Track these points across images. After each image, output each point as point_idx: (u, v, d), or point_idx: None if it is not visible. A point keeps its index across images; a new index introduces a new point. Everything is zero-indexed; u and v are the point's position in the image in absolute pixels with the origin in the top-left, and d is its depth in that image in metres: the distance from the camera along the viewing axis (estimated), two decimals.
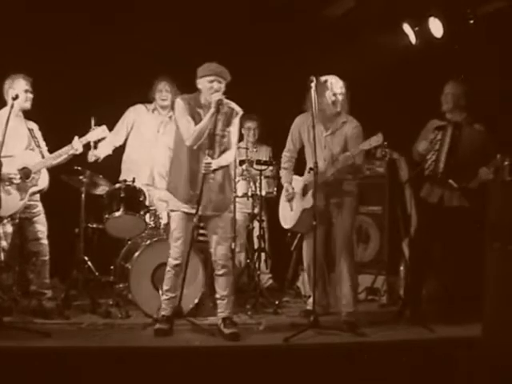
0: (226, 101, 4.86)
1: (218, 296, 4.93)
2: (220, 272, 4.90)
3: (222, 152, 4.90)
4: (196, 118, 4.83)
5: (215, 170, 4.81)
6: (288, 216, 5.52)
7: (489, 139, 5.29)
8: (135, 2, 6.42)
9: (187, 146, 4.82)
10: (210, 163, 4.74)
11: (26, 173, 5.14)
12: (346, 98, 5.27)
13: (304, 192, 5.14)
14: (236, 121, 4.96)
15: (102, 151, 5.77)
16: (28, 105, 5.29)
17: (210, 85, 4.77)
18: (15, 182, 5.07)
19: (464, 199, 5.31)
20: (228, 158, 4.93)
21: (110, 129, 5.68)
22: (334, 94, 5.20)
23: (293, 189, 5.43)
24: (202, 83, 4.82)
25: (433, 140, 5.36)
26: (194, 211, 4.79)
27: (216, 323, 4.92)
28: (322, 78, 5.24)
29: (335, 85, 5.21)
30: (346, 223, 5.24)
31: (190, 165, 4.84)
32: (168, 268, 4.90)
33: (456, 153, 5.29)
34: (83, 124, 5.42)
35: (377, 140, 4.90)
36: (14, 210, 5.06)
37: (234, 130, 4.96)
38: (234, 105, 4.94)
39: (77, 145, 5.24)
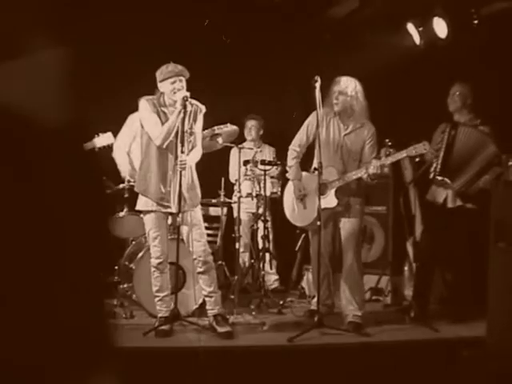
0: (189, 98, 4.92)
1: (205, 293, 4.96)
2: (202, 269, 4.92)
3: (191, 149, 4.96)
4: (162, 118, 4.87)
5: None
6: (301, 214, 5.40)
7: (490, 141, 5.27)
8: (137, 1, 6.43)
9: (156, 146, 4.85)
10: (184, 160, 4.77)
11: None
12: (365, 103, 5.22)
13: (323, 191, 4.97)
14: (200, 118, 5.01)
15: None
16: None
17: (173, 86, 4.80)
18: None
19: (467, 199, 5.32)
20: (196, 155, 5.00)
21: (115, 132, 5.64)
22: (334, 92, 5.17)
23: (304, 188, 5.39)
24: (164, 86, 4.86)
25: (438, 143, 5.38)
26: (167, 210, 4.87)
27: None
28: (342, 80, 5.19)
29: (341, 84, 5.16)
30: (353, 223, 5.22)
31: (159, 164, 4.87)
32: (152, 269, 4.93)
33: (451, 153, 5.29)
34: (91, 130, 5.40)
35: (423, 148, 4.88)
36: None
37: (199, 127, 5.02)
38: (196, 102, 4.98)
39: None
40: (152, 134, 4.86)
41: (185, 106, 4.76)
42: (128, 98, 6.16)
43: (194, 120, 4.96)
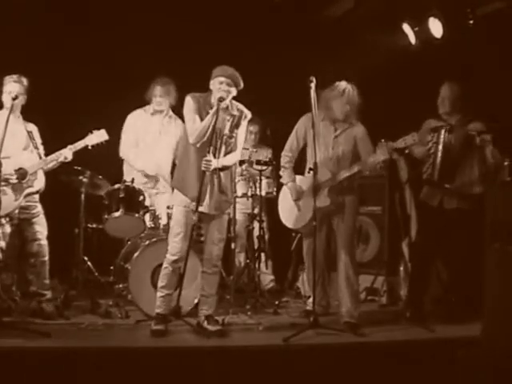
0: (235, 103, 4.95)
1: (204, 294, 4.99)
2: (211, 271, 4.97)
3: (228, 153, 4.95)
4: (203, 116, 4.87)
5: (220, 169, 4.87)
6: (296, 216, 5.40)
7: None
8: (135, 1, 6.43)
9: (193, 144, 4.85)
10: (210, 161, 4.77)
11: (22, 174, 5.11)
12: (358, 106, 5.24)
13: (315, 191, 4.96)
14: (244, 123, 5.02)
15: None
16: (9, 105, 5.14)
17: (219, 86, 4.82)
18: (11, 182, 5.05)
19: (463, 201, 5.32)
20: (232, 159, 4.98)
21: (110, 131, 5.61)
22: (349, 104, 5.18)
23: (301, 188, 5.39)
24: (213, 83, 4.88)
25: (429, 142, 5.37)
26: (198, 208, 4.82)
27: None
28: (341, 86, 5.19)
29: (352, 96, 5.18)
30: (347, 223, 5.23)
31: (197, 162, 4.85)
32: (165, 264, 4.92)
33: (450, 156, 5.29)
34: (83, 126, 5.38)
35: (412, 139, 4.88)
36: (7, 210, 4.99)
37: (241, 132, 5.01)
38: (243, 107, 5.00)
39: (66, 153, 5.20)
40: (188, 131, 4.87)
41: (219, 108, 4.75)
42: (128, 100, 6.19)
43: (237, 125, 4.97)
